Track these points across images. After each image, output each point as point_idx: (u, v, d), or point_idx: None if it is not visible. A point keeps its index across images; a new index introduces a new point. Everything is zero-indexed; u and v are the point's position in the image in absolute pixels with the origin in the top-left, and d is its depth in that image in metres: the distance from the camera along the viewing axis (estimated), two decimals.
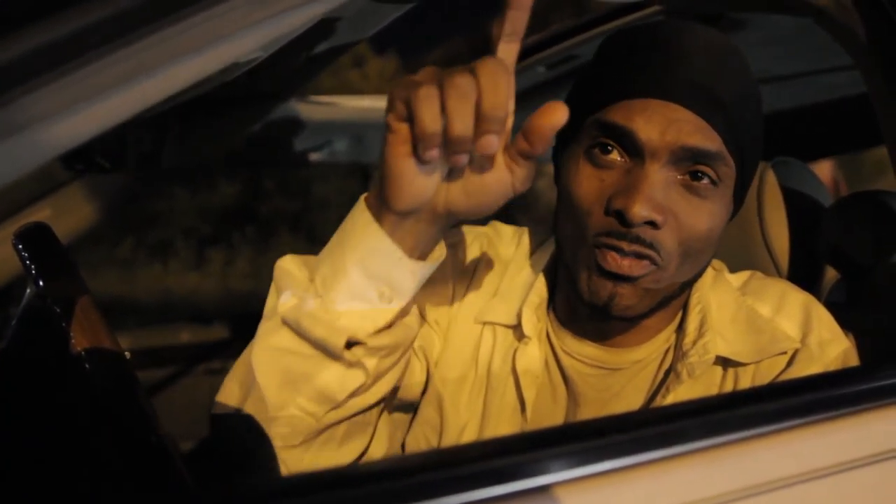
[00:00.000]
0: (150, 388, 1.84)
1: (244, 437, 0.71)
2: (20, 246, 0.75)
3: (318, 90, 1.81)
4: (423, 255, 0.67)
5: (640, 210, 0.72)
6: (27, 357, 0.78)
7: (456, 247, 0.91)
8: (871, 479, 0.68)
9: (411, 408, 0.90)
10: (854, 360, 0.84)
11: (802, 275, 1.07)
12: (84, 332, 0.69)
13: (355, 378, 0.68)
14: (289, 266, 0.70)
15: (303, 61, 1.35)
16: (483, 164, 0.63)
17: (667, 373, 0.84)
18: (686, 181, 0.76)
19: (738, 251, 1.07)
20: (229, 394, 0.73)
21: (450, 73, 0.58)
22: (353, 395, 0.69)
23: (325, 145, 1.88)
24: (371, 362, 0.68)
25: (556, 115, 0.59)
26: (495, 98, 0.57)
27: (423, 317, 0.87)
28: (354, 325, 0.66)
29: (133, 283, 6.61)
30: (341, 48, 1.26)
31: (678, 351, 0.83)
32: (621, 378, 0.85)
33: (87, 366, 0.67)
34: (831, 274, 1.11)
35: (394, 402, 0.84)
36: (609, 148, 0.76)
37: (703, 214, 0.76)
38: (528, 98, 1.77)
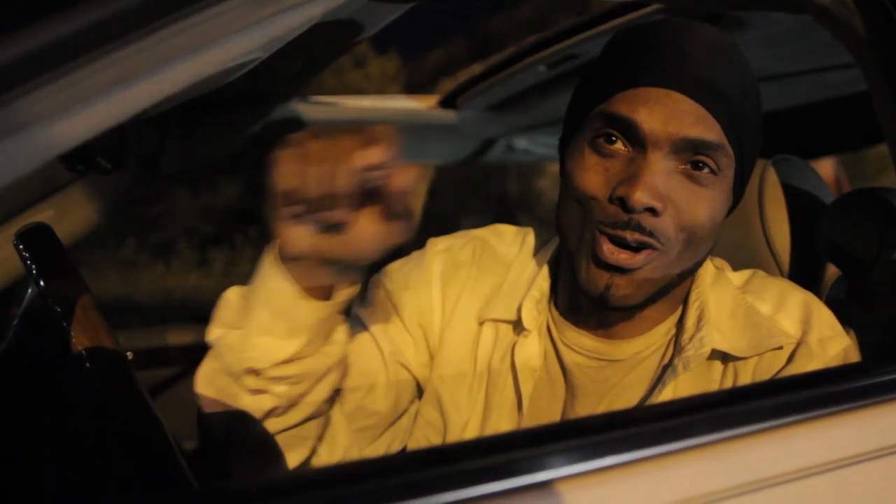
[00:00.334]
0: (151, 388, 1.85)
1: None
2: (21, 246, 0.76)
3: (320, 91, 1.82)
4: (326, 296, 0.73)
5: (641, 197, 0.74)
6: (28, 357, 0.78)
7: (447, 252, 0.94)
8: (872, 474, 0.68)
9: (395, 413, 0.92)
10: (855, 357, 0.84)
11: (803, 271, 1.07)
12: (85, 332, 0.69)
13: (267, 402, 0.75)
14: (231, 297, 0.77)
15: (303, 62, 1.35)
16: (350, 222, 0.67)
17: (665, 367, 0.85)
18: (687, 170, 0.78)
19: (740, 248, 1.07)
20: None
21: (320, 142, 0.63)
22: (269, 415, 0.76)
23: None
24: (279, 389, 0.74)
25: (403, 179, 0.64)
26: (337, 178, 0.62)
27: (402, 322, 0.92)
28: (258, 357, 0.73)
29: (134, 284, 6.62)
30: (341, 48, 1.26)
31: (677, 346, 0.84)
32: (619, 370, 0.86)
33: (87, 366, 0.68)
34: (832, 271, 1.11)
35: (371, 410, 0.88)
36: (613, 138, 0.78)
37: (702, 203, 0.78)
38: (530, 97, 1.77)
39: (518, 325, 0.88)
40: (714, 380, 0.84)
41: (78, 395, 0.71)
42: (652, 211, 0.76)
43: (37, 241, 0.77)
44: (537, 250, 0.95)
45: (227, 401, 0.75)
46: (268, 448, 0.78)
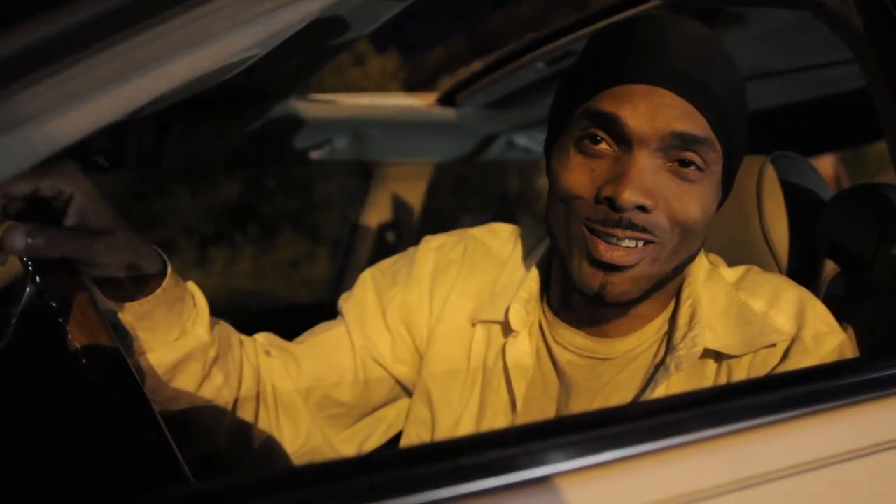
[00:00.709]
0: None
1: None
2: None
3: (319, 88, 1.82)
4: (131, 298, 0.76)
5: (629, 196, 0.74)
6: (27, 356, 0.78)
7: (438, 250, 0.95)
8: (868, 470, 0.68)
9: (367, 405, 0.94)
10: (851, 353, 0.84)
11: (801, 268, 1.07)
12: (83, 330, 0.69)
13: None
14: None
15: (302, 59, 1.35)
16: None
17: (657, 365, 0.85)
18: (674, 168, 0.78)
19: (738, 244, 1.07)
20: None
21: None
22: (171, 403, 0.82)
23: (325, 143, 1.88)
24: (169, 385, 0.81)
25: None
26: None
27: (384, 319, 0.93)
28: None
29: None
30: (340, 45, 1.26)
31: (669, 344, 0.84)
32: (612, 368, 0.86)
33: (85, 363, 0.68)
34: (830, 267, 1.11)
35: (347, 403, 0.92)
36: (598, 138, 0.78)
37: (692, 198, 0.78)
38: (529, 94, 1.77)
39: (508, 327, 0.88)
40: (707, 378, 0.84)
41: (76, 394, 0.71)
42: (642, 208, 0.75)
43: None
44: (531, 249, 0.95)
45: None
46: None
